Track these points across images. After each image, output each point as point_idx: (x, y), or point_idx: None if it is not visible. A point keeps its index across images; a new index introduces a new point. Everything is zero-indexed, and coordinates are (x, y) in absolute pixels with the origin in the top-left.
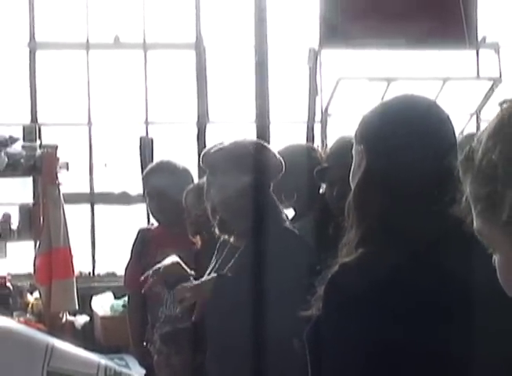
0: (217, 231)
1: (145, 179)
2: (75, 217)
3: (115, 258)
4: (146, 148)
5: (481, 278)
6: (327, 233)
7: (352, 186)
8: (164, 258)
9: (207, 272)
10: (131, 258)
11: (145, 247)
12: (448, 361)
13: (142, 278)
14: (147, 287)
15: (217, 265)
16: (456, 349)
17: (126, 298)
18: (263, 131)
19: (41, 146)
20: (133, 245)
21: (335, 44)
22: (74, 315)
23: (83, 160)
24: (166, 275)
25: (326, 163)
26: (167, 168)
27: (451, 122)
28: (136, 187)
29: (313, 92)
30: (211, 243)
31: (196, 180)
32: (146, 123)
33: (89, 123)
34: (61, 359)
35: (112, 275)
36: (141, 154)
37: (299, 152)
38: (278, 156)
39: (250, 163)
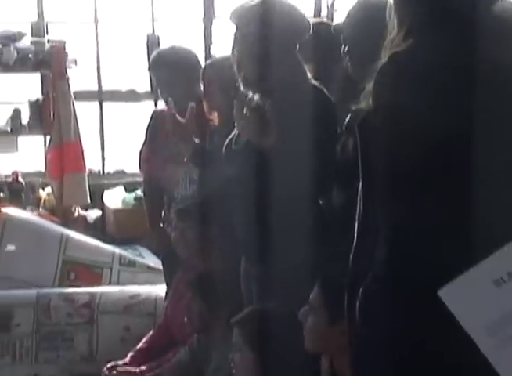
0: (241, 87)
1: (152, 71)
2: (83, 115)
3: (124, 156)
4: (152, 45)
5: None
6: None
7: None
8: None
9: (232, 134)
10: (145, 141)
11: (159, 128)
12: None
13: None
14: None
15: None
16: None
17: (138, 191)
18: None
19: (48, 41)
20: (147, 127)
21: None
22: (86, 209)
23: (90, 59)
24: None
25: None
26: (171, 58)
27: None
28: (144, 85)
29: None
30: (229, 119)
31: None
32: (153, 20)
33: (95, 20)
34: (76, 249)
35: (121, 172)
36: (148, 52)
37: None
38: (305, 16)
39: (276, 20)
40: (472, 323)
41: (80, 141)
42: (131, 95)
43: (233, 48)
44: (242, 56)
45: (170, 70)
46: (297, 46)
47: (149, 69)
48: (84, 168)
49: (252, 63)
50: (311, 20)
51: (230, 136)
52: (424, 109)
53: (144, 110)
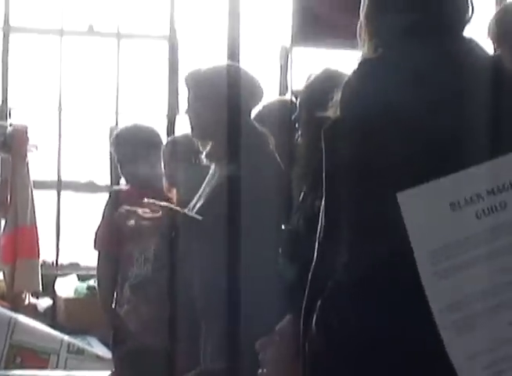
0: (203, 158)
1: (114, 147)
2: (40, 204)
3: (79, 248)
4: None
5: None
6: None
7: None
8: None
9: (193, 201)
10: (102, 219)
11: (117, 207)
12: None
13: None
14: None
15: (201, 193)
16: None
17: (91, 281)
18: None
19: (10, 125)
20: (105, 206)
21: (307, 42)
22: (37, 297)
23: (51, 146)
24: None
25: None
26: (134, 135)
27: None
28: (103, 177)
29: (283, 88)
30: (186, 196)
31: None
32: (116, 113)
33: (59, 108)
34: (24, 333)
35: (75, 265)
36: (110, 144)
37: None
38: (258, 81)
39: (229, 87)
40: (420, 241)
41: (35, 226)
42: (90, 187)
43: (188, 111)
44: (194, 124)
45: (132, 146)
46: (251, 112)
47: (110, 145)
48: (39, 254)
49: (203, 132)
50: (277, 98)
51: (188, 206)
52: (393, 117)
53: (102, 202)
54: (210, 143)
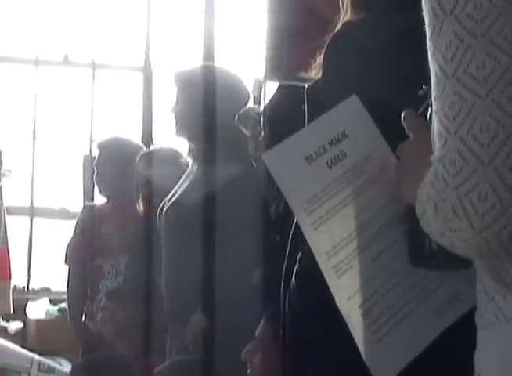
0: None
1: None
2: (13, 230)
3: (51, 274)
4: (88, 166)
5: None
6: None
7: None
8: (108, 231)
9: (169, 195)
10: (74, 234)
11: (89, 221)
12: None
13: None
14: None
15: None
16: None
17: (62, 304)
18: None
19: None
20: (77, 221)
21: (279, 77)
22: (7, 321)
23: (25, 173)
24: None
25: None
26: (119, 142)
27: None
28: (76, 204)
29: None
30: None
31: None
32: (90, 141)
33: (34, 137)
34: None
35: (47, 290)
36: (83, 172)
37: None
38: (246, 87)
39: (218, 87)
40: (293, 196)
41: (7, 249)
42: (63, 214)
43: (174, 107)
44: (179, 117)
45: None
46: (236, 115)
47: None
48: (10, 276)
49: (186, 124)
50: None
51: (161, 204)
52: (375, 82)
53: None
54: (190, 143)
